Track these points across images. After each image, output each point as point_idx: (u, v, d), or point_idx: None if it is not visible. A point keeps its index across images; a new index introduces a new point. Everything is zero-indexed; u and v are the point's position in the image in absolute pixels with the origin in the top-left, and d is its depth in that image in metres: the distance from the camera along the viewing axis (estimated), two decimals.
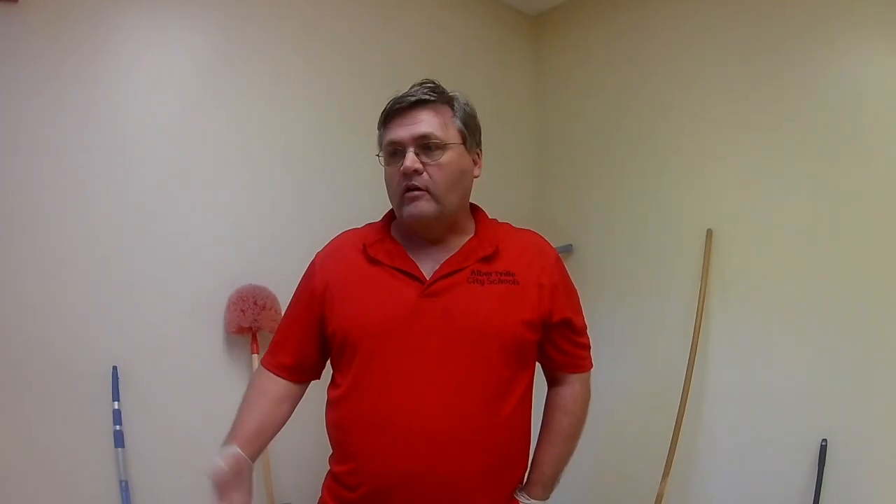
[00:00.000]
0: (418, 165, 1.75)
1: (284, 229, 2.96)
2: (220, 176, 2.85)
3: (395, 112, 1.81)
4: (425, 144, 1.77)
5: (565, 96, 3.96)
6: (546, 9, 4.05)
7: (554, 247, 2.02)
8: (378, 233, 1.90)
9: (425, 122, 1.78)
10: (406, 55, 3.43)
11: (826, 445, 2.72)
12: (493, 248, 1.84)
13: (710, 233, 3.16)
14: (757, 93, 3.08)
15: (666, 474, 3.04)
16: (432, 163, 1.77)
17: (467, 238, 1.88)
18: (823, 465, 2.71)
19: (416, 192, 1.76)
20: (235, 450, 1.75)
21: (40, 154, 2.45)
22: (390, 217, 1.97)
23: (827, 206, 2.85)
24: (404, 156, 1.76)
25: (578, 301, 1.99)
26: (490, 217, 1.98)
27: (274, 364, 1.96)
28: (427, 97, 1.82)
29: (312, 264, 1.97)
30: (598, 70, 3.79)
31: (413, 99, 1.80)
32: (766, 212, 3.02)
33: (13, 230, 2.38)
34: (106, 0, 2.61)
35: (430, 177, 1.76)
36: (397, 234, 1.90)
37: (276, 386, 1.94)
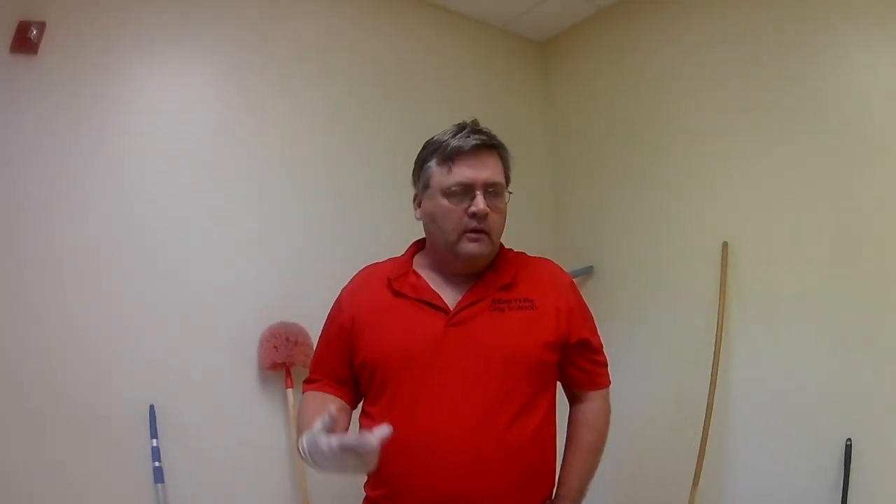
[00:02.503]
0: (488, 210, 1.83)
1: (312, 266, 3.02)
2: (245, 216, 2.92)
3: (462, 152, 1.86)
4: (491, 191, 1.86)
5: (576, 120, 4.01)
6: (553, 35, 4.11)
7: (574, 269, 2.09)
8: (401, 267, 1.98)
9: (492, 169, 1.88)
10: (419, 87, 3.53)
11: (851, 445, 2.73)
12: (511, 277, 1.92)
13: (725, 245, 3.19)
14: (766, 105, 3.10)
15: (695, 483, 3.06)
16: (495, 208, 1.86)
17: (486, 269, 1.95)
18: (849, 465, 2.72)
19: (480, 234, 1.85)
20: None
21: (64, 200, 2.54)
22: (413, 251, 2.05)
23: (841, 211, 2.86)
24: (470, 196, 1.84)
25: (593, 321, 2.06)
26: (506, 247, 2.05)
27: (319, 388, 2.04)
28: (491, 142, 1.90)
29: (339, 300, 2.05)
30: (607, 91, 3.83)
31: (478, 141, 1.87)
32: (781, 221, 3.04)
33: (45, 277, 2.47)
34: (123, 47, 2.71)
35: (491, 221, 1.85)
36: (420, 269, 1.98)
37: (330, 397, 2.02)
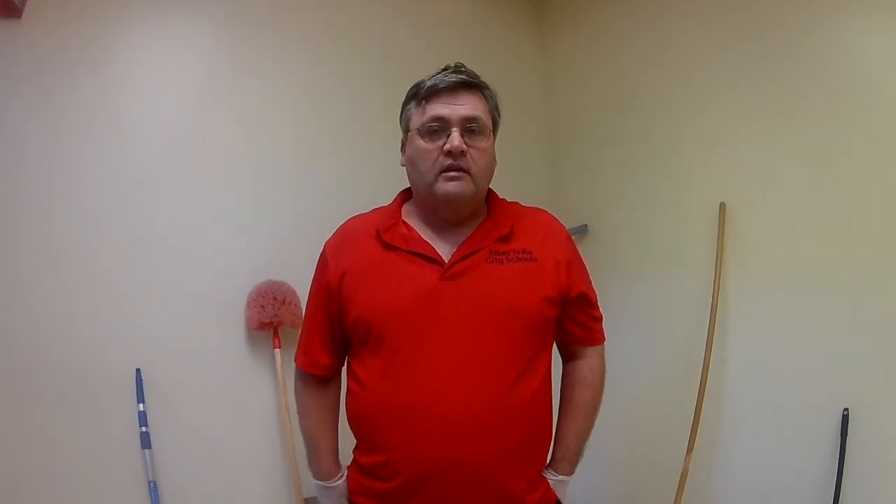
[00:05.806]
0: (465, 147, 1.75)
1: (297, 223, 2.98)
2: (231, 176, 2.89)
3: (438, 90, 1.80)
4: (470, 128, 1.78)
5: (573, 79, 3.96)
6: None
7: (568, 228, 2.03)
8: (390, 217, 1.89)
9: (472, 106, 1.79)
10: (411, 46, 3.45)
11: (848, 415, 2.71)
12: (508, 228, 1.84)
13: (723, 206, 3.15)
14: (767, 66, 3.05)
15: (689, 450, 3.03)
16: (475, 146, 1.78)
17: (480, 220, 1.87)
18: (846, 435, 2.70)
19: (458, 173, 1.76)
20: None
21: (51, 165, 2.49)
22: (400, 201, 1.96)
23: (840, 174, 2.82)
24: (447, 134, 1.76)
25: (588, 275, 1.99)
26: (500, 197, 1.98)
27: (313, 365, 1.96)
28: (471, 80, 1.83)
29: (323, 255, 1.95)
30: (604, 51, 3.78)
31: (456, 79, 1.80)
32: (779, 183, 3.00)
33: (31, 241, 2.43)
34: (109, 11, 2.66)
35: (472, 159, 1.77)
36: (409, 218, 1.89)
37: (326, 388, 1.98)
